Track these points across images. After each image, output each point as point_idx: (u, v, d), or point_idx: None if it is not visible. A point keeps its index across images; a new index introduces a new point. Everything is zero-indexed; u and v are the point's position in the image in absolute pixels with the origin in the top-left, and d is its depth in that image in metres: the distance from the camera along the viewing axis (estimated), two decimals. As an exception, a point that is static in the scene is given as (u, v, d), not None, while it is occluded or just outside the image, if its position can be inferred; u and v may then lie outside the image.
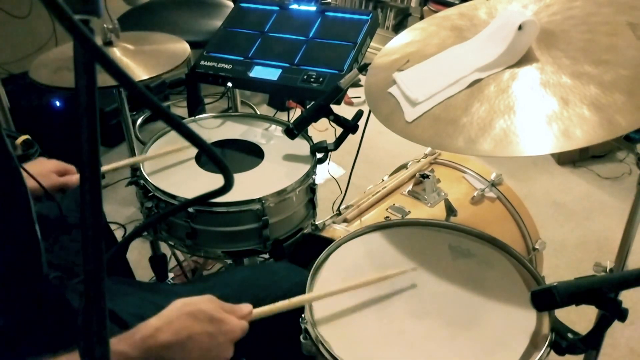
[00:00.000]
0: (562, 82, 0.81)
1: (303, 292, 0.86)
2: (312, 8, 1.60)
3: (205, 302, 0.72)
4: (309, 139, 1.32)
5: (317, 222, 1.17)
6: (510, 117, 0.80)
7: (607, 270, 0.89)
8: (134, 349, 0.66)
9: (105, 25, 1.36)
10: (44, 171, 1.03)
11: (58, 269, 0.99)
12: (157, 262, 1.57)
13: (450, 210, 1.15)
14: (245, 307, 0.77)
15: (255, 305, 0.92)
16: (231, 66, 1.50)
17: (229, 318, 0.72)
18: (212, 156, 0.47)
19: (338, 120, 1.23)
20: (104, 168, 1.11)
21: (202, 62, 1.54)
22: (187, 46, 1.45)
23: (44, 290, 0.82)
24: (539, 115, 0.78)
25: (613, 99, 0.75)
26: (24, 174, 0.96)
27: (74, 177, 1.06)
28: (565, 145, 0.74)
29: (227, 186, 0.50)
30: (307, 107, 1.27)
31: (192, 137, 0.43)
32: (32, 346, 0.67)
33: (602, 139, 0.72)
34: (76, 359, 0.60)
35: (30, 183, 0.99)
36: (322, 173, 1.35)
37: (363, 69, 1.17)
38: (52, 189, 1.03)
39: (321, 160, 1.27)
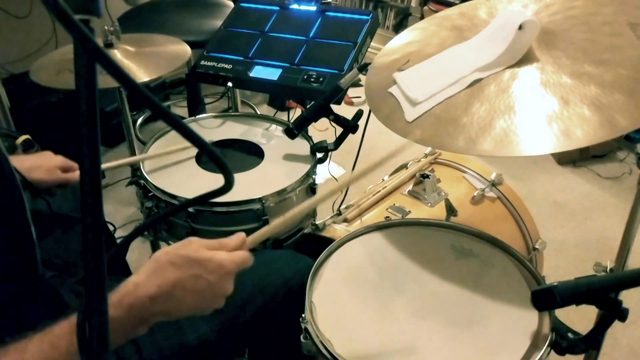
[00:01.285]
0: (562, 81, 0.81)
1: (305, 279, 0.85)
2: (313, 8, 1.60)
3: (186, 246, 0.68)
4: (309, 138, 1.32)
5: (317, 222, 1.17)
6: (510, 117, 0.80)
7: (608, 270, 0.89)
8: (114, 309, 0.61)
9: (106, 27, 1.36)
10: (49, 166, 1.03)
11: (54, 268, 0.99)
12: (158, 262, 1.57)
13: (451, 210, 1.15)
14: (237, 237, 0.72)
15: (259, 293, 0.91)
16: (231, 66, 1.50)
17: (213, 255, 0.67)
18: (212, 156, 0.47)
19: (338, 120, 1.23)
20: (104, 165, 1.12)
21: (203, 62, 1.54)
22: (188, 48, 1.45)
23: (40, 289, 0.81)
24: (539, 115, 0.78)
25: (613, 98, 0.75)
26: (25, 170, 0.97)
27: (76, 174, 1.06)
28: (565, 145, 0.74)
29: (228, 186, 0.50)
30: (307, 107, 1.27)
31: (193, 137, 0.43)
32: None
33: (603, 138, 0.72)
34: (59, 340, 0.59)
35: (34, 176, 1.00)
36: (323, 173, 1.35)
37: (363, 68, 1.17)
38: (54, 184, 1.03)
39: (321, 160, 1.27)
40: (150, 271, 0.65)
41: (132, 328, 0.64)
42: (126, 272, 1.39)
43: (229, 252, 0.70)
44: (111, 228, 2.02)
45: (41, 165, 1.02)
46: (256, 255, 1.02)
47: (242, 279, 0.93)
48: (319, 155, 1.26)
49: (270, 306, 0.91)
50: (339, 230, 1.15)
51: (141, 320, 0.64)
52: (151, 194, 1.17)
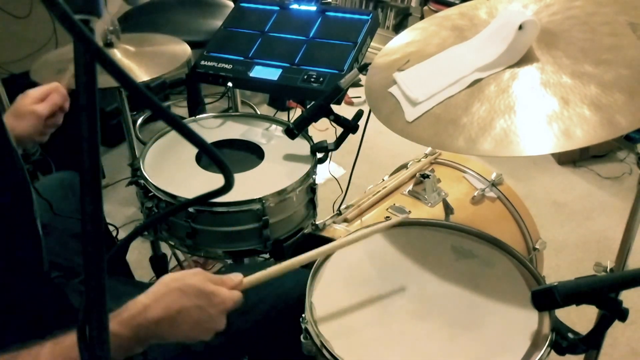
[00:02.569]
0: (562, 81, 0.81)
1: (305, 290, 0.86)
2: (313, 8, 1.60)
3: (193, 276, 0.71)
4: (309, 138, 1.32)
5: (317, 222, 1.17)
6: (510, 116, 0.80)
7: (608, 270, 0.88)
8: (123, 327, 0.64)
9: (105, 27, 1.36)
10: (27, 109, 0.98)
11: (59, 269, 0.99)
12: (158, 262, 1.57)
13: (448, 208, 1.15)
14: (235, 277, 0.75)
15: (260, 302, 0.92)
16: (231, 66, 1.50)
17: (218, 290, 0.71)
18: (212, 156, 0.47)
19: (338, 120, 1.23)
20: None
21: (203, 62, 1.54)
22: (188, 47, 1.45)
23: (46, 288, 0.82)
24: (540, 115, 0.78)
25: (613, 98, 0.75)
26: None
27: (56, 97, 1.02)
28: (565, 145, 0.74)
29: (228, 186, 0.50)
30: (308, 107, 1.27)
31: (193, 137, 0.43)
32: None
33: (603, 138, 0.72)
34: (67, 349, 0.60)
35: (19, 128, 0.96)
36: (323, 173, 1.35)
37: (363, 68, 1.17)
38: (39, 132, 0.99)
39: (321, 160, 1.27)
40: (160, 295, 0.68)
41: (132, 346, 0.67)
42: (126, 272, 1.39)
43: (229, 289, 0.73)
44: (112, 229, 2.03)
45: (19, 114, 0.97)
46: (259, 266, 1.02)
47: (245, 289, 0.94)
48: (319, 155, 1.26)
49: (271, 315, 0.92)
50: (339, 230, 1.15)
51: (142, 340, 0.67)
52: (151, 194, 1.17)
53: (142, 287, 1.05)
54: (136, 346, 0.67)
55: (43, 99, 1.00)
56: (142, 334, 0.66)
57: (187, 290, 0.68)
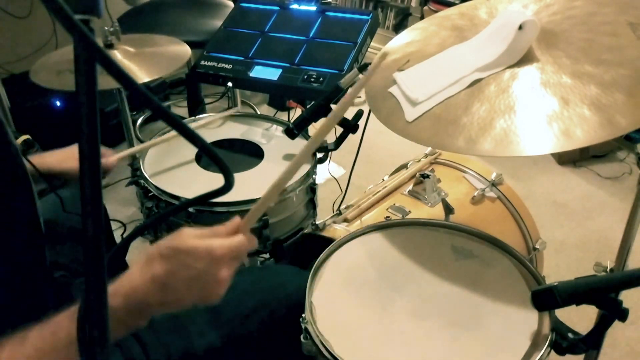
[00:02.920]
0: (562, 81, 0.81)
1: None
2: (313, 8, 1.60)
3: (174, 237, 0.67)
4: (309, 138, 1.32)
5: (317, 222, 1.17)
6: (510, 116, 0.80)
7: (608, 270, 0.88)
8: (111, 299, 0.58)
9: (106, 28, 1.36)
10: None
11: (64, 268, 0.99)
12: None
13: (448, 209, 1.15)
14: (230, 222, 0.70)
15: (262, 306, 0.92)
16: (231, 66, 1.50)
17: (201, 243, 0.66)
18: (212, 156, 0.47)
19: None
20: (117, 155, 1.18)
21: (203, 62, 1.54)
22: (188, 48, 1.45)
23: (49, 287, 0.82)
24: (540, 115, 0.78)
25: (613, 98, 0.75)
26: (56, 162, 1.02)
27: (110, 160, 1.13)
28: (565, 145, 0.74)
29: (228, 186, 0.50)
30: (307, 107, 1.27)
31: (193, 137, 0.43)
32: None
33: (603, 138, 0.72)
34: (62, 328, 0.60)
35: (67, 165, 1.05)
36: (323, 173, 1.35)
37: (363, 68, 1.17)
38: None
39: (321, 160, 1.27)
40: (142, 264, 0.65)
41: (130, 320, 0.64)
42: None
43: (225, 237, 0.68)
44: (119, 225, 2.04)
45: (73, 155, 1.04)
46: (261, 270, 1.02)
47: (246, 293, 0.94)
48: (319, 155, 1.26)
49: (273, 318, 0.92)
50: (339, 230, 1.15)
51: (138, 312, 0.64)
52: (151, 194, 1.17)
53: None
54: (137, 319, 0.64)
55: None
56: (135, 304, 0.63)
57: (167, 252, 0.64)
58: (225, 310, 0.89)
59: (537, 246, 1.34)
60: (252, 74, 1.47)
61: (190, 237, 0.67)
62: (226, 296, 0.88)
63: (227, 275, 0.66)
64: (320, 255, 0.94)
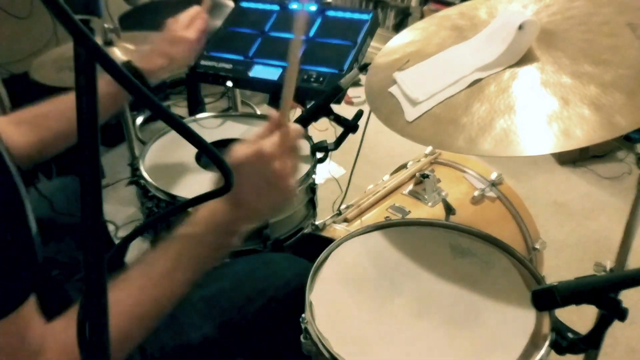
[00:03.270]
0: (562, 81, 0.81)
1: (304, 282, 0.86)
2: (313, 7, 1.60)
3: (227, 158, 0.68)
4: (309, 138, 1.32)
5: (317, 222, 1.17)
6: (510, 116, 0.80)
7: (608, 269, 0.88)
8: (194, 226, 0.68)
9: (105, 25, 1.36)
10: (179, 36, 1.13)
11: (58, 267, 0.99)
12: (158, 262, 1.57)
13: (449, 209, 1.15)
14: (269, 121, 0.72)
15: (258, 295, 0.92)
16: (231, 66, 1.50)
17: (250, 150, 0.68)
18: (212, 156, 0.47)
19: (338, 119, 1.23)
20: None
21: (202, 62, 1.54)
22: (188, 47, 1.45)
23: (44, 284, 0.81)
24: (540, 114, 0.78)
25: (613, 98, 0.75)
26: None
27: (201, 23, 1.19)
28: (565, 145, 0.74)
29: (228, 186, 0.50)
30: (307, 107, 1.27)
31: (193, 137, 0.43)
32: None
33: (602, 138, 0.72)
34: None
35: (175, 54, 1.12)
36: (323, 173, 1.35)
37: (363, 68, 1.17)
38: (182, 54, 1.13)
39: (321, 160, 1.27)
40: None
41: (222, 239, 0.69)
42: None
43: (268, 137, 0.70)
44: (112, 227, 2.03)
45: (173, 41, 1.12)
46: (255, 258, 1.02)
47: (242, 281, 0.94)
48: (319, 155, 1.26)
49: (270, 307, 0.92)
50: (339, 230, 1.15)
51: (224, 232, 0.68)
52: (151, 194, 1.17)
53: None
54: (223, 238, 0.68)
55: (189, 25, 1.17)
56: (217, 227, 0.67)
57: (237, 168, 0.65)
58: (220, 300, 0.89)
59: (537, 246, 1.34)
60: (252, 74, 1.47)
61: (239, 150, 0.69)
62: (221, 285, 0.88)
63: (286, 166, 0.68)
64: (320, 255, 0.94)
